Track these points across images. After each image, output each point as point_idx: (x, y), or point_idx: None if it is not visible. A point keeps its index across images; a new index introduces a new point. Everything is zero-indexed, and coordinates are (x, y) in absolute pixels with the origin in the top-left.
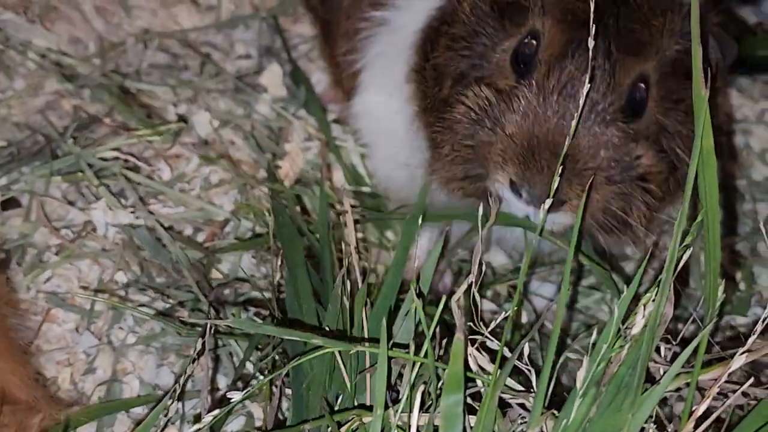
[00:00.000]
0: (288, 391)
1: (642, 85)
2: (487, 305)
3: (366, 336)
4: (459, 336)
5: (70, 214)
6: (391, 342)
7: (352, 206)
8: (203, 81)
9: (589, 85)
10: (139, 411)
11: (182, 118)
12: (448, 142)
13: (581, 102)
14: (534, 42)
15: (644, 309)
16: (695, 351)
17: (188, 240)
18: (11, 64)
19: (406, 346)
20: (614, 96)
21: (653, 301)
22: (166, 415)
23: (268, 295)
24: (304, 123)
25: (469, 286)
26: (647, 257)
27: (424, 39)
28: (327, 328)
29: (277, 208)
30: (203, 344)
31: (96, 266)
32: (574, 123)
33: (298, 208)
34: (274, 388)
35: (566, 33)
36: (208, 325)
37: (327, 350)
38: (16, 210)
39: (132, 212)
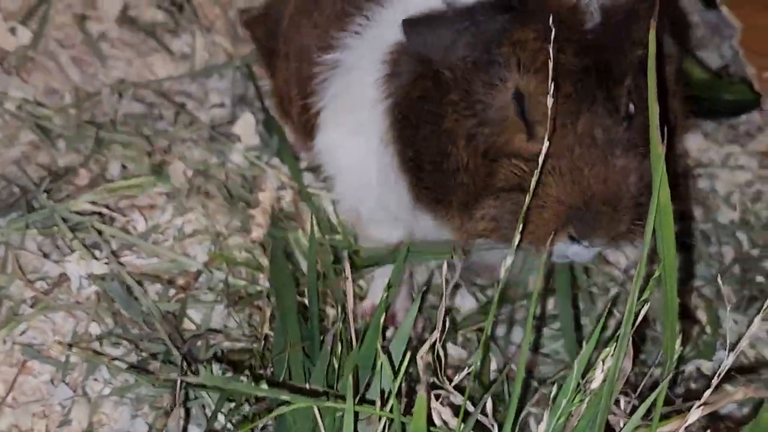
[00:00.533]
0: None
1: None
2: (457, 351)
3: None
4: (421, 394)
5: (45, 267)
6: (359, 396)
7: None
8: (177, 131)
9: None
10: None
11: (157, 169)
12: (482, 206)
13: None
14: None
15: (603, 364)
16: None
17: (161, 292)
18: None
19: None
20: (623, 125)
21: (612, 356)
22: None
23: (246, 345)
24: (277, 171)
25: (434, 342)
26: (606, 311)
27: (406, 109)
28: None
29: (275, 255)
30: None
31: (71, 318)
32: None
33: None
34: None
35: (563, 84)
36: (179, 380)
37: (294, 406)
38: None
39: (106, 263)
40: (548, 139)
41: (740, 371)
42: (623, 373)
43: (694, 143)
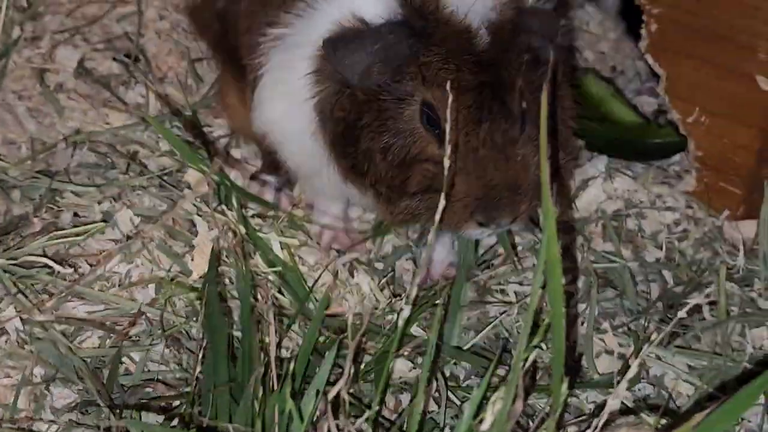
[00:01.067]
0: None
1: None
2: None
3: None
4: None
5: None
6: None
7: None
8: (128, 179)
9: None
10: None
11: (106, 217)
12: (400, 202)
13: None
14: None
15: (493, 406)
16: None
17: (103, 337)
18: None
19: None
20: (518, 124)
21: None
22: None
23: (179, 388)
24: (224, 216)
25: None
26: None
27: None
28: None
29: (209, 297)
30: None
31: (16, 363)
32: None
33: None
34: None
35: (464, 97)
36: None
37: None
38: None
39: (29, 324)
40: (453, 145)
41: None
42: (512, 415)
43: (624, 185)
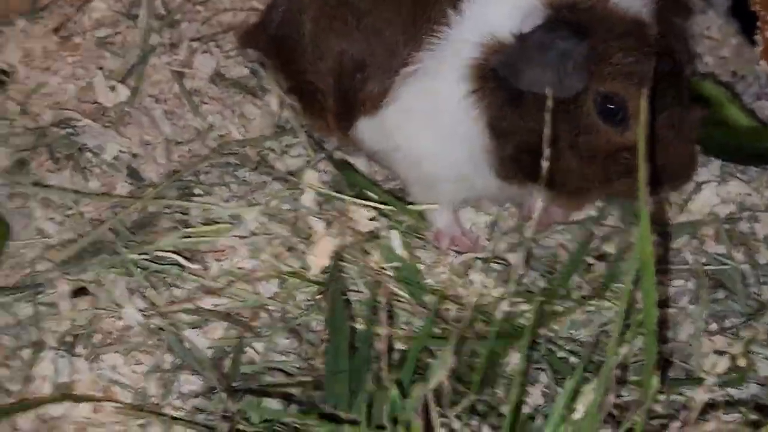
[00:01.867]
0: None
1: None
2: None
3: None
4: (415, 424)
5: (126, 307)
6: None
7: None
8: (256, 179)
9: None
10: None
11: (234, 215)
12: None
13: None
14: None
15: (585, 398)
16: None
17: (227, 328)
18: (87, 165)
19: None
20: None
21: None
22: None
23: (300, 378)
24: (345, 214)
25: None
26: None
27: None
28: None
29: (333, 292)
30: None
31: (148, 352)
32: None
33: None
34: None
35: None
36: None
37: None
38: (84, 298)
39: (160, 315)
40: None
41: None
42: (604, 406)
43: (737, 188)
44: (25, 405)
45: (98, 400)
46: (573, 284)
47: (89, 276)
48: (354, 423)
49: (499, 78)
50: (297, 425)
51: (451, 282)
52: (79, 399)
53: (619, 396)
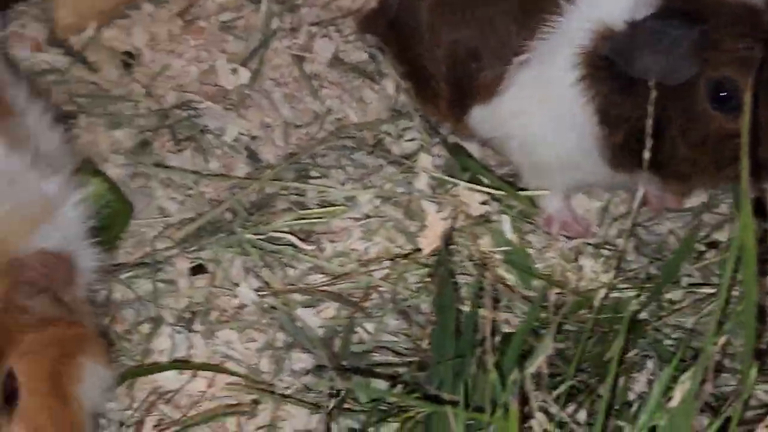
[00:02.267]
0: None
1: None
2: None
3: None
4: (513, 407)
5: (241, 286)
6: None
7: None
8: (372, 161)
9: None
10: None
11: (348, 197)
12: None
13: None
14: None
15: (682, 386)
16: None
17: (339, 308)
18: (208, 147)
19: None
20: None
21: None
22: None
23: (406, 359)
24: (457, 198)
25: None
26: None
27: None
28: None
29: (441, 275)
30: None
31: (260, 330)
32: None
33: None
34: None
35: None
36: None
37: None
38: (202, 276)
39: (274, 294)
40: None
41: None
42: (701, 395)
43: None
44: (145, 370)
45: (214, 369)
46: (682, 271)
47: (207, 255)
48: (455, 404)
49: (610, 65)
50: (401, 405)
51: (560, 267)
52: (194, 367)
53: (717, 386)
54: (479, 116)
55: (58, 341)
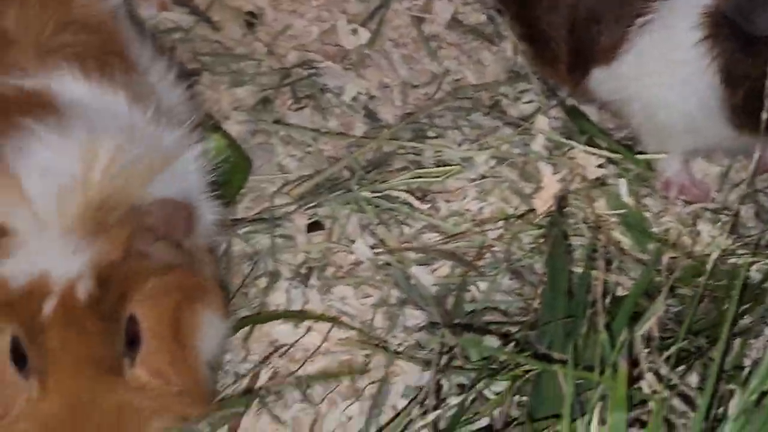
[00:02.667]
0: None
1: None
2: None
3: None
4: (622, 367)
5: (357, 242)
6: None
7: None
8: (488, 122)
9: None
10: None
11: (464, 158)
12: None
13: None
14: None
15: None
16: None
17: (452, 267)
18: (327, 106)
19: None
20: None
21: None
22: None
23: (517, 318)
24: (574, 160)
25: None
26: None
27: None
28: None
29: (555, 236)
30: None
31: (374, 286)
32: None
33: None
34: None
35: None
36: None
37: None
38: (319, 232)
39: (389, 252)
40: None
41: None
42: None
43: None
44: (261, 318)
45: (328, 320)
46: None
47: (324, 211)
48: (565, 363)
49: (731, 25)
50: (510, 364)
51: (676, 231)
52: (310, 317)
53: None
54: (599, 79)
55: (178, 288)
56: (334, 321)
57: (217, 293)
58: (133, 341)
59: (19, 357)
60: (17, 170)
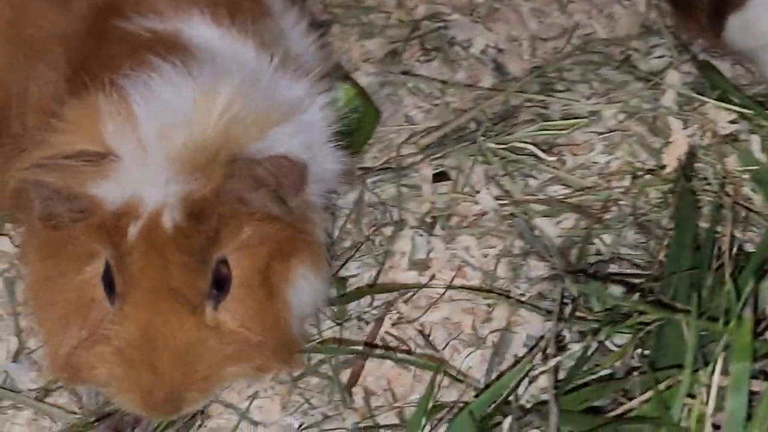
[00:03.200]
0: None
1: None
2: None
3: None
4: (747, 318)
5: (482, 193)
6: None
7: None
8: (618, 77)
9: None
10: None
11: (592, 111)
12: None
13: None
14: None
15: None
16: None
17: (578, 219)
18: (455, 58)
19: None
20: None
21: None
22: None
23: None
24: (705, 116)
25: None
26: None
27: None
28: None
29: (683, 190)
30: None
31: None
32: None
33: None
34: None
35: None
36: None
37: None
38: (445, 183)
39: (514, 203)
40: None
41: None
42: None
43: None
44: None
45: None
46: None
47: (450, 162)
48: (688, 313)
49: None
50: (633, 314)
51: None
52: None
53: None
54: (734, 27)
55: (274, 240)
56: (458, 270)
57: (316, 250)
58: (220, 284)
59: (109, 282)
60: (135, 101)
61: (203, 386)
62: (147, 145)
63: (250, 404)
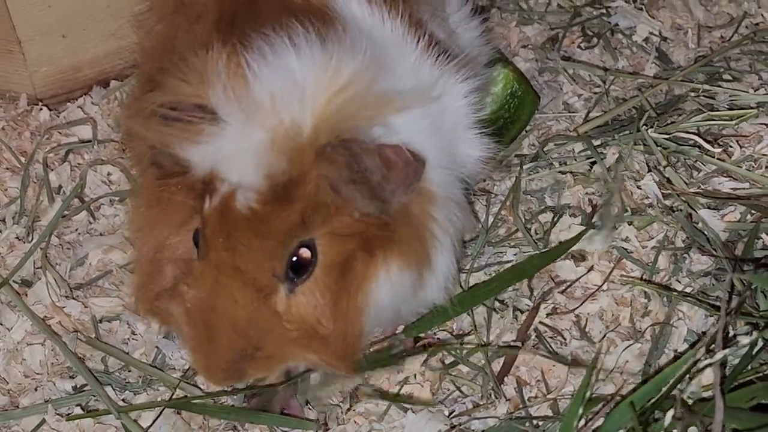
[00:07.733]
0: None
1: None
2: None
3: None
4: None
5: (644, 183)
6: None
7: None
8: None
9: None
10: None
11: (762, 102)
12: None
13: None
14: None
15: None
16: None
17: (743, 212)
18: (618, 46)
19: None
20: None
21: None
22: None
23: None
24: None
25: None
26: None
27: None
28: None
29: None
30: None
31: (658, 231)
32: None
33: None
34: None
35: None
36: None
37: None
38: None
39: (677, 194)
40: None
41: None
42: None
43: None
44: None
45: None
46: None
47: (611, 151)
48: None
49: None
50: None
51: None
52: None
53: None
54: None
55: (362, 234)
56: (617, 261)
57: (406, 253)
58: (298, 268)
59: (197, 242)
60: (249, 65)
61: (265, 364)
62: (250, 113)
63: (400, 390)
